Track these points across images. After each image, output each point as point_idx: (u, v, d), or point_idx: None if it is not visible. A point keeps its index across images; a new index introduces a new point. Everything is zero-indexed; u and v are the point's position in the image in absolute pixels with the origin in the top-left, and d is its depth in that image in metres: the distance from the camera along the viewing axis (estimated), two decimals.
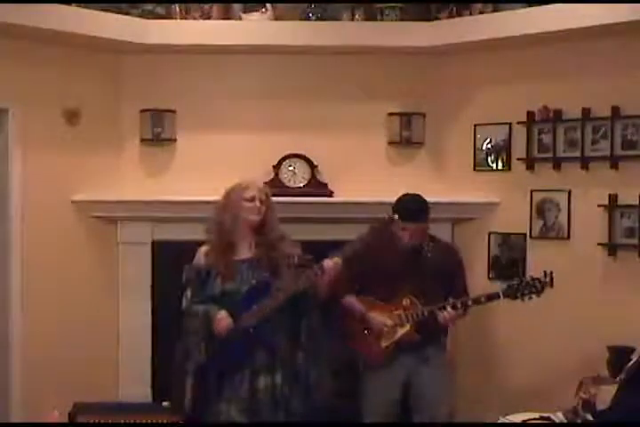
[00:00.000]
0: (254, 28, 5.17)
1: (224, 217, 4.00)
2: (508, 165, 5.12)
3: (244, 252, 3.99)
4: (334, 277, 3.88)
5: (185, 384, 3.96)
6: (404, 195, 4.37)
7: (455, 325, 4.47)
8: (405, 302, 4.24)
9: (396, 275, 4.26)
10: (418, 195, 4.36)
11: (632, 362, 3.59)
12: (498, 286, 4.32)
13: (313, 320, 3.98)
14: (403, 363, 4.30)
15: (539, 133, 4.98)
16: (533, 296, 4.16)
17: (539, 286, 4.14)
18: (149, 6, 5.16)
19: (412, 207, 4.29)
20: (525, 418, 3.84)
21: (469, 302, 4.21)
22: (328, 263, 3.84)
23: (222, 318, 3.86)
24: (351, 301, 4.35)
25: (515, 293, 4.15)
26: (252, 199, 3.97)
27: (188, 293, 4.02)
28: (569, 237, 4.88)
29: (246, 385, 3.86)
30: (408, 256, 4.30)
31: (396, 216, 4.01)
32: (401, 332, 4.25)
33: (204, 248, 4.07)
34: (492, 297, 4.21)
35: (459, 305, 4.17)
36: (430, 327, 4.21)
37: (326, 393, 4.02)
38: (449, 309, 4.15)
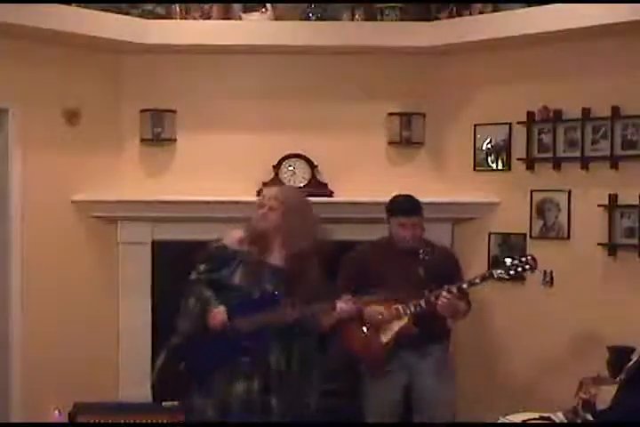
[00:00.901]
0: (254, 28, 5.17)
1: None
2: (508, 165, 5.12)
3: (275, 258, 3.95)
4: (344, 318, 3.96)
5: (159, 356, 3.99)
6: (396, 195, 4.44)
7: (455, 317, 4.41)
8: (401, 295, 4.24)
9: (393, 276, 4.25)
10: (409, 194, 4.41)
11: (632, 362, 3.58)
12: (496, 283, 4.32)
13: (308, 344, 3.96)
14: (404, 363, 4.29)
15: (539, 133, 4.98)
16: (527, 273, 4.17)
17: (532, 263, 4.13)
18: (149, 6, 5.16)
19: (405, 203, 4.36)
20: (525, 418, 3.83)
21: (465, 286, 4.17)
22: (343, 307, 3.87)
23: (219, 313, 3.85)
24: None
25: (507, 270, 4.14)
26: (262, 205, 3.96)
27: (201, 268, 3.97)
28: (569, 237, 4.88)
29: (223, 387, 3.85)
30: (404, 259, 4.29)
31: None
32: (399, 325, 4.24)
33: (238, 233, 4.00)
34: (485, 277, 4.19)
35: (454, 290, 4.14)
36: (429, 320, 4.20)
37: (313, 407, 4.03)
38: (444, 293, 4.13)
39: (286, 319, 3.82)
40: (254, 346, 3.85)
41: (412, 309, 4.20)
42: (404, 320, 4.23)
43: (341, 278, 4.35)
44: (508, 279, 4.21)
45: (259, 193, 4.04)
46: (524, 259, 4.14)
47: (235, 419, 3.83)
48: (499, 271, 4.15)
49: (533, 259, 4.14)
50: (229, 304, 3.88)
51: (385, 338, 4.27)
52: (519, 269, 4.12)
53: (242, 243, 3.97)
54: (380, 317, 4.23)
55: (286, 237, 3.92)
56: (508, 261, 4.17)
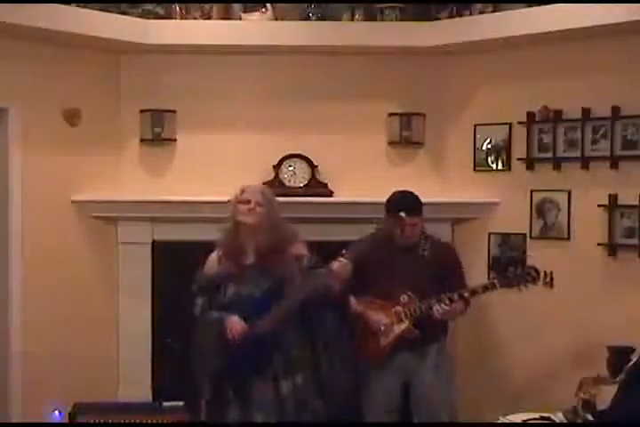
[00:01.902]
0: (254, 28, 5.17)
1: (228, 222, 4.05)
2: (508, 165, 5.12)
3: (251, 257, 4.01)
4: (343, 278, 3.94)
5: (201, 391, 4.01)
6: (395, 191, 4.41)
7: (454, 319, 4.45)
8: (403, 298, 4.24)
9: (393, 274, 4.26)
10: (409, 191, 4.39)
11: (632, 362, 3.58)
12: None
13: (328, 321, 4.00)
14: (402, 362, 4.29)
15: (539, 133, 4.98)
16: (529, 285, 4.17)
17: (534, 274, 4.15)
18: (149, 6, 5.16)
19: (405, 201, 4.33)
20: (525, 418, 3.84)
21: (466, 294, 4.19)
22: (334, 265, 3.88)
23: (236, 323, 3.90)
24: (349, 300, 4.36)
25: (510, 281, 4.15)
26: (246, 201, 4.00)
27: (199, 300, 4.05)
28: (569, 237, 4.87)
29: (270, 392, 3.90)
30: (404, 255, 4.30)
31: (403, 214, 4.07)
32: (400, 328, 4.24)
33: (214, 254, 4.10)
34: (488, 287, 4.20)
35: (455, 297, 4.15)
36: (429, 323, 4.21)
37: (345, 392, 4.07)
38: (446, 301, 4.13)
39: (297, 299, 3.87)
40: (283, 342, 3.90)
41: (413, 312, 4.20)
42: (405, 324, 4.23)
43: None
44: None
45: (242, 192, 4.07)
46: (526, 270, 4.17)
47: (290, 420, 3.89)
48: (501, 283, 4.17)
49: (536, 271, 4.16)
50: (242, 311, 3.92)
51: (385, 341, 4.27)
52: (521, 280, 4.14)
53: (220, 261, 4.04)
54: (382, 327, 4.24)
55: (269, 231, 3.98)
56: (511, 271, 4.18)
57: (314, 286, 3.88)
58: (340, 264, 3.89)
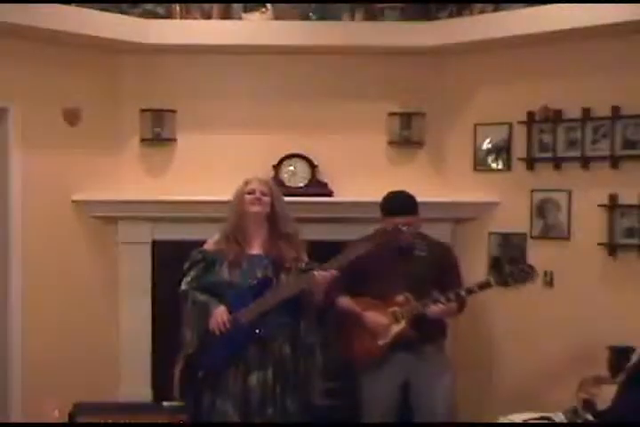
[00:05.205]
0: (254, 28, 5.17)
1: (231, 213, 4.10)
2: (507, 165, 5.12)
3: (256, 247, 4.04)
4: (327, 287, 3.98)
5: (174, 370, 4.04)
6: (389, 193, 4.40)
7: (449, 318, 4.42)
8: (399, 298, 4.23)
9: (390, 275, 4.25)
10: (402, 191, 4.37)
11: (632, 362, 3.59)
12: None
13: (310, 321, 4.02)
14: (400, 362, 4.28)
15: (539, 133, 4.98)
16: (527, 283, 4.15)
17: (531, 273, 4.13)
18: (149, 6, 5.16)
19: (399, 202, 4.32)
20: (525, 418, 3.84)
21: (462, 293, 4.18)
22: (320, 274, 3.91)
23: (220, 313, 3.91)
24: (345, 301, 4.35)
25: (506, 279, 4.14)
26: (252, 192, 4.05)
27: (189, 276, 4.08)
28: (569, 237, 4.88)
29: (240, 381, 3.91)
30: (401, 256, 4.30)
31: (404, 228, 4.14)
32: (396, 329, 4.24)
33: (215, 237, 4.13)
34: (483, 285, 4.18)
35: (452, 297, 4.14)
36: (426, 324, 4.20)
37: (317, 393, 4.07)
38: (442, 300, 4.13)
39: (282, 296, 3.91)
40: (260, 334, 3.91)
41: (410, 312, 4.19)
42: (402, 324, 4.22)
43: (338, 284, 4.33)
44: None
45: (247, 183, 4.12)
46: (522, 267, 4.16)
47: (254, 414, 3.90)
48: (497, 281, 4.15)
49: (532, 268, 4.14)
50: (227, 301, 3.93)
51: (382, 342, 4.26)
52: (518, 278, 4.12)
53: (218, 245, 4.07)
54: (380, 327, 4.23)
55: (278, 220, 4.06)
56: (507, 269, 4.17)
57: (300, 287, 3.92)
58: (327, 273, 3.92)
